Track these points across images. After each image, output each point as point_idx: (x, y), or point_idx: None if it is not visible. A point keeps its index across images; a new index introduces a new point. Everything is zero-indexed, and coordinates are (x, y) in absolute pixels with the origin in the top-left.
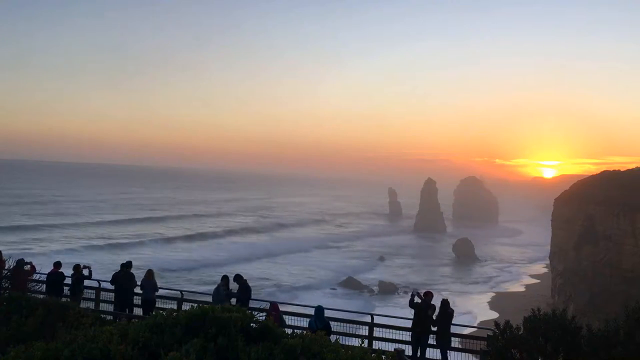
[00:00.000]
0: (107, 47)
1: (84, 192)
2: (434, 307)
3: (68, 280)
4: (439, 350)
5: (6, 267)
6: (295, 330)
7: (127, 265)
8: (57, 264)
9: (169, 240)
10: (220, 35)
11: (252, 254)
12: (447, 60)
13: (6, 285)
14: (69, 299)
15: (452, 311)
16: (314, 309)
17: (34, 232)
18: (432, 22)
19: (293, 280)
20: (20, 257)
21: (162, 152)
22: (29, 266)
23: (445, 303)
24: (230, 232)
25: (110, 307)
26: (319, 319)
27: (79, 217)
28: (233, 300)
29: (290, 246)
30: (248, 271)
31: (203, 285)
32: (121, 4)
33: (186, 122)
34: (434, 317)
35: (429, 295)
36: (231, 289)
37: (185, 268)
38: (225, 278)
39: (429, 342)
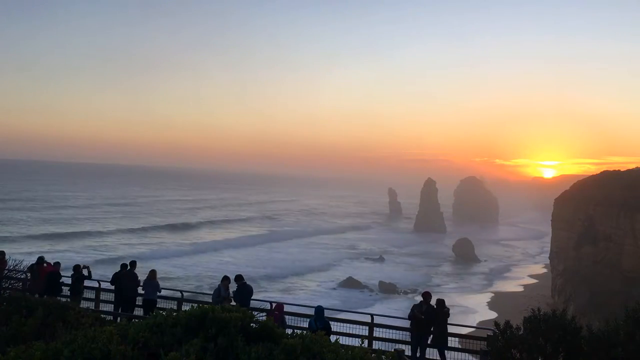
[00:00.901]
0: (107, 48)
1: (112, 193)
2: (433, 308)
3: (65, 280)
4: (436, 350)
5: (6, 268)
6: (295, 330)
7: (131, 265)
8: (56, 264)
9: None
10: (221, 36)
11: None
12: (447, 61)
13: (17, 285)
14: (69, 299)
15: (448, 309)
16: (313, 309)
17: (90, 238)
18: (432, 23)
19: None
20: (40, 255)
21: (162, 152)
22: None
23: (440, 302)
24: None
25: (110, 307)
26: (319, 319)
27: (130, 220)
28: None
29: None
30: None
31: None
32: (122, 4)
33: (186, 122)
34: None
35: (427, 295)
36: (232, 290)
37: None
38: (226, 279)
39: (428, 342)
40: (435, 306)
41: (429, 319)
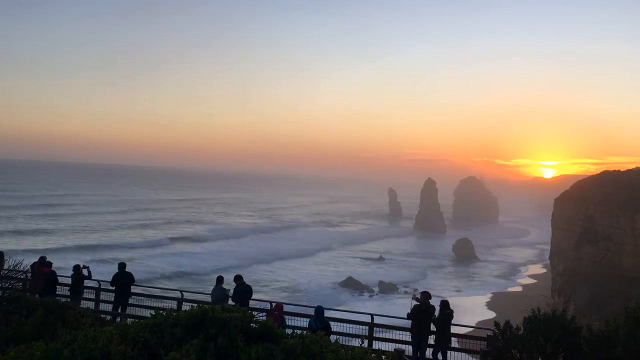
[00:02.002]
0: (108, 47)
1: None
2: (433, 308)
3: (62, 280)
4: (439, 351)
5: (6, 267)
6: (295, 330)
7: (124, 265)
8: (48, 264)
9: None
10: (222, 36)
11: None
12: (447, 61)
13: (17, 285)
14: (69, 299)
15: (452, 312)
16: (313, 309)
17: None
18: (432, 23)
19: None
20: (42, 255)
21: (162, 152)
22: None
23: (444, 304)
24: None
25: (110, 307)
26: (319, 319)
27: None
28: (232, 301)
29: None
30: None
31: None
32: (122, 4)
33: (185, 122)
34: (433, 318)
35: (426, 295)
36: (228, 290)
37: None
38: (220, 279)
39: (428, 343)
40: (434, 306)
41: (429, 318)
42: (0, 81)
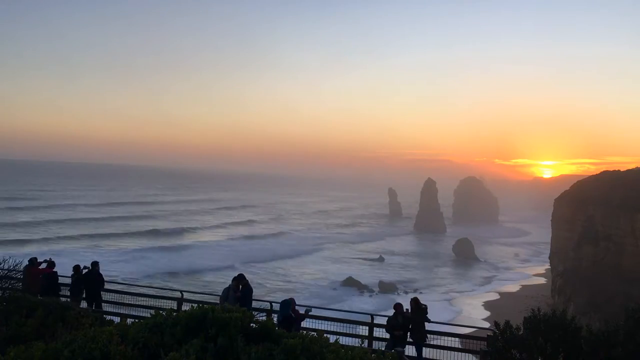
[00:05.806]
0: (111, 47)
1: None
2: (407, 315)
3: (63, 280)
4: (414, 347)
5: (6, 268)
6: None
7: (96, 264)
8: (51, 264)
9: None
10: (225, 36)
11: None
12: (447, 62)
13: (17, 285)
14: (69, 299)
15: (425, 306)
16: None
17: None
18: (433, 24)
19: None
20: (33, 256)
21: (164, 152)
22: (45, 264)
23: (415, 300)
24: None
25: (109, 307)
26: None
27: None
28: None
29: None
30: None
31: None
32: (126, 3)
33: (188, 122)
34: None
35: (399, 307)
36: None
37: None
38: (236, 279)
39: (408, 340)
40: (409, 310)
41: (406, 330)
42: (8, 81)
